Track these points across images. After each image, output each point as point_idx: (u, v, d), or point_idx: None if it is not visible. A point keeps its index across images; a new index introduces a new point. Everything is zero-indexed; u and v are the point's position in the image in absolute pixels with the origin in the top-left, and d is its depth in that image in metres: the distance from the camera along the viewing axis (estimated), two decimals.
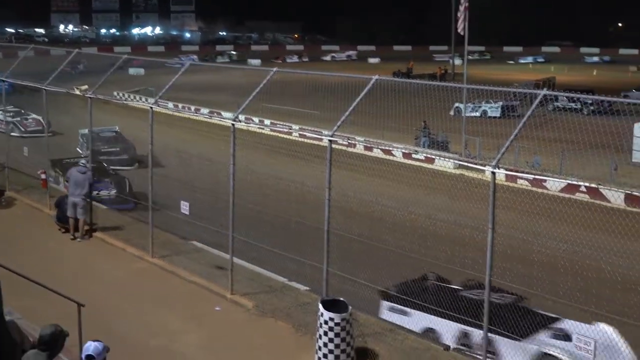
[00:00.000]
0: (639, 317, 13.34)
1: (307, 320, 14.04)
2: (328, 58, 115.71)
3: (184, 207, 18.71)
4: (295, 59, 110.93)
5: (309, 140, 23.98)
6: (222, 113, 25.76)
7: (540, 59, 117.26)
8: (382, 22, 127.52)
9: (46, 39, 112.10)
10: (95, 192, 21.84)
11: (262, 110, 31.28)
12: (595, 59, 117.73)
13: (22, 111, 37.13)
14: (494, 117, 45.52)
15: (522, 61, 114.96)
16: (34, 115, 36.41)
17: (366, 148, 32.93)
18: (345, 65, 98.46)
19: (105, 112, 29.11)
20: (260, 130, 34.03)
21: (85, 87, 25.66)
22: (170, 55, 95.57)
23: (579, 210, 25.01)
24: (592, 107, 46.54)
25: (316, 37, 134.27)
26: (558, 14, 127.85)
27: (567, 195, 27.24)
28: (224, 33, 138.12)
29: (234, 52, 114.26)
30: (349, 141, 18.34)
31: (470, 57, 47.66)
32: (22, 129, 35.56)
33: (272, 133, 35.11)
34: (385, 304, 15.56)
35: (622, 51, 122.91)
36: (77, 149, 31.42)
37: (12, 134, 34.07)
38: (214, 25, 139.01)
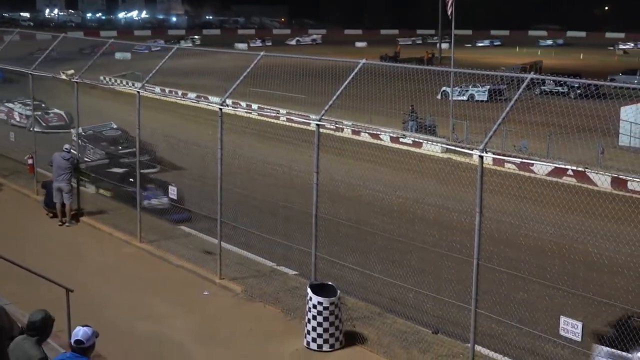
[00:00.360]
0: (625, 299, 13.41)
1: (296, 305, 14.08)
2: (293, 42, 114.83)
3: (172, 191, 18.75)
4: (258, 43, 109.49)
5: (296, 125, 23.97)
6: (209, 97, 25.52)
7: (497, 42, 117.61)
8: (369, 6, 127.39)
9: (31, 23, 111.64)
10: (145, 202, 20.15)
11: (250, 94, 31.27)
12: (549, 41, 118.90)
13: (43, 105, 33.82)
14: (481, 101, 45.61)
15: (480, 44, 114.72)
16: (56, 110, 34.06)
17: (354, 132, 32.84)
18: (311, 49, 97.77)
19: (92, 96, 28.68)
20: (248, 115, 34.03)
21: (72, 71, 25.53)
22: (158, 39, 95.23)
23: (566, 193, 25.07)
24: (578, 91, 46.65)
25: (303, 20, 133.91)
26: None
27: (554, 179, 27.32)
28: (211, 17, 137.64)
29: (197, 37, 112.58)
30: (337, 125, 18.33)
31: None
32: (44, 124, 32.39)
33: (259, 117, 35.09)
34: (602, 349, 12.50)
35: (608, 34, 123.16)
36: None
37: (32, 129, 32.15)
38: (201, 9, 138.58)
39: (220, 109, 16.33)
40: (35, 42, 41.72)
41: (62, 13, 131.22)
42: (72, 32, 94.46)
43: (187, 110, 30.21)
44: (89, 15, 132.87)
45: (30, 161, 23.59)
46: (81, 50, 26.82)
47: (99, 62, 23.39)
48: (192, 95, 39.15)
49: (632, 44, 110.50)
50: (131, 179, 20.79)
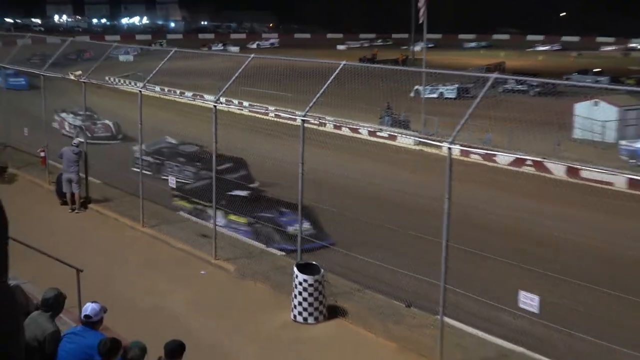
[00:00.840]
0: (573, 275, 13.53)
1: (284, 282, 14.12)
2: (254, 46, 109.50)
3: (172, 181, 18.75)
4: (220, 46, 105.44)
5: (284, 120, 24.00)
6: (205, 96, 25.43)
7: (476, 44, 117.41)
8: (350, 12, 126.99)
9: (42, 28, 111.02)
10: (289, 228, 17.04)
11: (241, 93, 31.21)
12: (473, 44, 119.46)
13: (95, 115, 31.02)
14: (450, 99, 45.71)
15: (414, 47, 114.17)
16: (105, 120, 30.39)
17: (335, 127, 32.96)
18: (270, 52, 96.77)
19: (98, 95, 28.55)
20: (240, 112, 33.98)
21: (79, 72, 25.46)
22: (130, 44, 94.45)
23: (526, 181, 25.24)
24: (537, 89, 46.85)
25: (290, 26, 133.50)
26: (508, 2, 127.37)
27: (515, 168, 27.46)
28: (205, 23, 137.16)
29: (164, 41, 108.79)
30: (320, 121, 18.40)
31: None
32: (89, 135, 28.50)
33: (250, 114, 35.08)
34: None
35: (565, 38, 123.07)
36: (133, 169, 22.98)
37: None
38: (196, 15, 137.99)
39: (215, 106, 16.35)
40: (45, 46, 41.31)
41: (70, 19, 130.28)
42: (80, 36, 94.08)
43: (186, 107, 30.08)
44: (94, 20, 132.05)
45: (42, 154, 23.45)
46: (66, 56, 25.67)
47: (103, 64, 23.22)
48: (189, 93, 39.17)
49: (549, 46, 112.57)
50: (255, 201, 18.63)
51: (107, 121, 30.24)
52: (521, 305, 11.38)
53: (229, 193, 18.55)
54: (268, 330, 13.08)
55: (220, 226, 17.27)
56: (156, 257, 16.83)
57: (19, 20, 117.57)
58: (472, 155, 27.27)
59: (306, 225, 16.50)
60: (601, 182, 25.37)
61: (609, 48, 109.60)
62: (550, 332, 11.92)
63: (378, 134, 33.69)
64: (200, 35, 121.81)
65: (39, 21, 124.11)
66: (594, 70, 61.45)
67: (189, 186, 20.31)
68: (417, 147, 30.71)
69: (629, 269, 13.37)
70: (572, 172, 26.15)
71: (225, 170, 21.18)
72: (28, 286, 9.43)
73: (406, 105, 38.77)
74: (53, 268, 11.78)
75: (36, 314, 8.41)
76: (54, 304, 8.49)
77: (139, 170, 21.84)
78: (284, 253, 16.63)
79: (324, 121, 19.71)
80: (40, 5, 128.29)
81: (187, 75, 35.00)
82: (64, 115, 30.52)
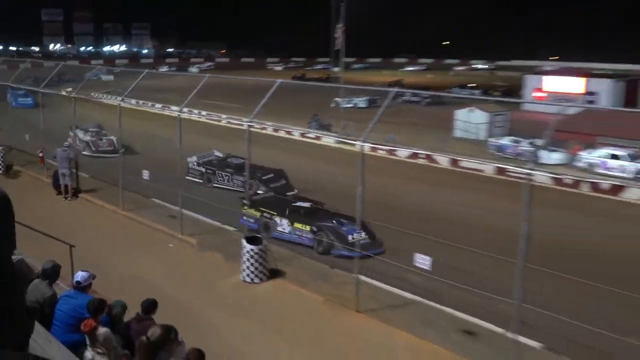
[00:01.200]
0: (457, 240, 13.75)
1: (235, 252, 14.01)
2: (194, 69, 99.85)
3: (145, 174, 18.39)
4: (165, 68, 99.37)
5: (234, 126, 23.86)
6: (171, 107, 25.02)
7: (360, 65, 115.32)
8: (287, 39, 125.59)
9: (40, 55, 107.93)
10: (349, 237, 14.66)
11: (200, 104, 30.91)
12: (360, 65, 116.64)
13: (103, 131, 28.78)
14: (363, 108, 46.01)
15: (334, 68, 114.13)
16: (110, 137, 27.61)
17: (274, 130, 32.87)
18: (212, 72, 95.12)
19: (86, 108, 27.90)
20: (199, 119, 33.65)
21: (70, 89, 24.89)
22: (133, 66, 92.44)
23: (420, 170, 25.62)
24: (427, 100, 47.54)
25: (238, 52, 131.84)
26: (407, 31, 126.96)
27: (412, 160, 27.84)
28: (172, 50, 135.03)
29: (116, 67, 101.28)
30: (262, 125, 18.31)
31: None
32: (93, 149, 27.20)
33: (207, 121, 34.77)
34: None
35: (447, 61, 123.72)
36: (187, 177, 22.00)
37: (84, 152, 26.65)
38: (164, 43, 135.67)
39: (179, 115, 16.15)
40: (42, 69, 39.92)
41: (62, 47, 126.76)
42: (70, 61, 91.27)
43: (155, 116, 29.58)
44: (82, 48, 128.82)
45: (41, 154, 22.85)
46: (50, 78, 24.20)
47: (89, 83, 22.68)
48: (158, 105, 38.55)
49: (463, 67, 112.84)
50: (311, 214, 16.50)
51: (112, 137, 27.38)
52: (417, 264, 11.55)
53: (293, 204, 17.03)
54: (223, 289, 13.01)
55: (285, 233, 16.18)
56: (134, 234, 16.54)
57: (21, 48, 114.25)
58: (379, 151, 27.55)
59: (362, 234, 14.58)
60: (476, 169, 25.94)
61: (460, 68, 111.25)
62: (438, 285, 12.12)
63: (307, 135, 33.75)
64: (168, 60, 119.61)
65: (37, 49, 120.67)
66: (469, 85, 62.53)
67: (257, 197, 17.98)
68: (337, 145, 30.86)
69: (499, 235, 13.64)
70: (454, 162, 26.66)
71: (268, 179, 20.44)
72: (30, 259, 9.15)
73: (328, 113, 38.97)
74: (50, 245, 11.49)
75: (37, 281, 8.21)
76: (51, 273, 8.34)
77: (192, 178, 21.90)
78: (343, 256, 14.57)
79: (265, 125, 19.54)
80: (38, 36, 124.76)
81: (156, 91, 34.46)
82: (77, 131, 28.40)
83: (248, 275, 13.26)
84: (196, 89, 16.49)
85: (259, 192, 19.34)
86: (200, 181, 21.93)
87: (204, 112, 34.63)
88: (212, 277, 13.60)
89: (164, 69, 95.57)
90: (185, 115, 16.75)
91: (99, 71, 55.16)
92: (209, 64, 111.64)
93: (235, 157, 22.44)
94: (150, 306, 8.49)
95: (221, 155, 23.33)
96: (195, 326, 9.77)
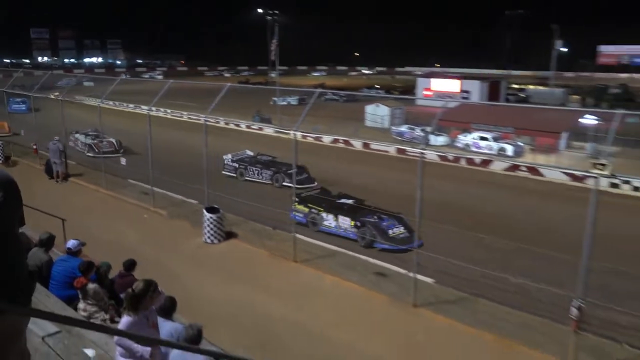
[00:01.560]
0: (377, 205, 13.88)
1: (198, 220, 13.75)
2: (147, 76, 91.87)
3: (123, 161, 17.76)
4: (123, 76, 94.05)
5: (193, 120, 23.27)
6: (142, 106, 23.99)
7: (317, 74, 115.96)
8: (237, 51, 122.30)
9: (30, 65, 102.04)
10: (389, 231, 13.22)
11: (165, 104, 30.02)
12: (274, 74, 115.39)
13: (102, 134, 24.91)
14: (294, 105, 45.74)
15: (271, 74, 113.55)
16: (110, 139, 24.55)
17: (225, 123, 32.29)
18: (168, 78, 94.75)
19: (70, 108, 26.41)
20: (165, 116, 32.71)
21: (57, 93, 23.61)
22: (109, 74, 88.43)
23: (339, 151, 25.74)
24: (344, 98, 47.72)
25: (195, 61, 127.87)
26: (326, 46, 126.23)
27: (333, 145, 27.94)
28: (141, 61, 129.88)
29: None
30: (216, 120, 17.91)
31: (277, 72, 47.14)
32: (96, 150, 23.71)
33: (171, 117, 33.89)
34: None
35: (358, 67, 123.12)
36: (223, 172, 20.39)
37: (88, 154, 23.95)
38: (135, 55, 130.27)
39: (149, 113, 15.63)
40: (32, 77, 37.62)
41: (49, 59, 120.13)
42: (56, 70, 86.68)
43: (129, 114, 28.50)
44: (66, 60, 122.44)
45: (34, 146, 21.73)
46: (24, 85, 22.13)
47: (73, 87, 21.60)
48: (131, 105, 37.21)
49: (370, 71, 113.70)
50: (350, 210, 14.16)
51: (111, 139, 24.52)
52: (340, 224, 11.67)
53: (338, 201, 14.74)
54: (189, 249, 12.77)
55: (332, 227, 13.97)
56: (114, 208, 15.98)
57: (14, 60, 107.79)
58: (308, 138, 27.51)
59: (401, 229, 13.38)
60: (382, 151, 26.29)
61: (353, 73, 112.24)
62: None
63: (251, 127, 33.36)
64: (138, 69, 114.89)
65: (28, 61, 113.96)
66: (375, 86, 63.07)
67: (305, 194, 15.54)
68: (276, 135, 30.63)
69: (402, 200, 13.84)
70: (366, 145, 26.93)
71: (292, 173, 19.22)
72: (29, 232, 8.71)
73: (268, 109, 38.56)
74: (46, 219, 10.98)
75: (35, 249, 7.87)
76: (47, 242, 8.02)
77: (228, 173, 20.17)
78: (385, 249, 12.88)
79: (217, 119, 19.10)
80: (29, 50, 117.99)
81: (130, 94, 33.24)
82: (77, 135, 25.86)
83: (209, 237, 13.06)
84: (161, 92, 15.96)
85: (284, 184, 18.46)
86: (235, 175, 20.21)
87: (169, 110, 33.69)
88: (179, 240, 13.32)
89: (124, 76, 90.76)
90: (153, 113, 16.20)
91: (80, 79, 52.82)
92: (159, 71, 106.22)
93: (264, 154, 21.08)
94: (130, 265, 8.34)
95: (252, 154, 21.54)
96: (166, 278, 9.51)
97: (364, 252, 12.59)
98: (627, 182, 19.73)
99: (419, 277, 10.32)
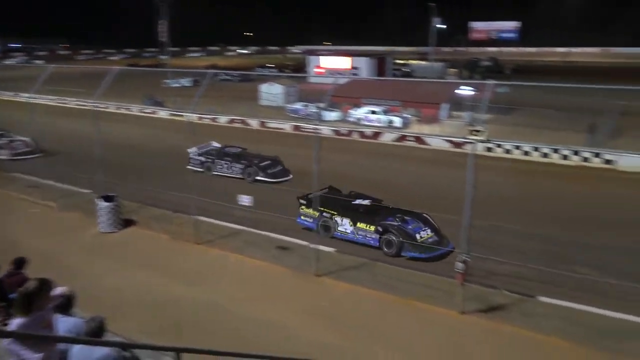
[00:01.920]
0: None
1: (91, 210, 12.94)
2: (14, 61, 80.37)
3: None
4: (15, 60, 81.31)
5: (81, 107, 21.77)
6: (22, 94, 21.88)
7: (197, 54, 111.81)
8: (120, 34, 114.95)
9: None
10: (417, 235, 11.33)
11: (47, 91, 27.73)
12: (165, 56, 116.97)
13: (11, 133, 20.74)
14: (188, 86, 44.19)
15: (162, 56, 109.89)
16: (22, 137, 20.18)
17: (116, 108, 30.56)
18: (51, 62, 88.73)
19: None
20: (49, 103, 30.27)
21: None
22: None
23: (237, 132, 25.31)
24: (238, 78, 46.90)
25: (79, 45, 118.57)
26: (221, 26, 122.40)
27: (230, 125, 27.47)
28: (16, 45, 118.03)
29: None
30: (105, 104, 16.87)
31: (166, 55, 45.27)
32: (10, 151, 19.85)
33: (57, 104, 31.48)
34: None
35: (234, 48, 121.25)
36: (188, 167, 17.83)
37: (1, 157, 19.91)
38: (8, 40, 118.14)
39: (29, 100, 14.34)
40: None
41: None
42: None
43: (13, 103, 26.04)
44: None
45: None
46: None
47: None
48: (9, 93, 33.96)
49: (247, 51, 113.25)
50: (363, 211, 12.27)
51: (24, 138, 20.17)
52: (241, 203, 11.55)
53: (353, 202, 12.61)
54: (85, 239, 11.99)
55: (348, 234, 11.96)
56: (3, 204, 14.64)
57: None
58: (204, 119, 26.83)
59: (428, 231, 11.59)
60: (278, 128, 26.29)
61: (244, 51, 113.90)
62: (259, 216, 12.25)
63: (144, 111, 31.89)
64: (16, 54, 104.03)
65: None
66: (268, 65, 62.58)
67: (311, 195, 12.50)
68: (170, 117, 29.58)
69: (302, 175, 13.95)
70: (262, 124, 26.77)
71: (267, 165, 17.34)
72: None
73: (160, 92, 36.96)
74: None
75: None
76: None
77: (194, 168, 17.63)
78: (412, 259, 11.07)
79: (107, 104, 18.00)
80: None
81: (8, 80, 30.28)
82: None
83: (104, 227, 12.37)
84: (42, 78, 14.67)
85: (257, 178, 17.01)
86: (202, 170, 17.93)
87: (53, 97, 31.18)
88: (73, 232, 12.45)
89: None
90: (36, 101, 14.89)
91: None
92: (27, 57, 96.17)
93: (232, 146, 18.91)
94: (20, 262, 7.64)
95: (219, 146, 19.20)
96: (61, 272, 8.90)
97: (277, 231, 12.13)
98: (499, 146, 21.41)
99: (321, 247, 10.53)
